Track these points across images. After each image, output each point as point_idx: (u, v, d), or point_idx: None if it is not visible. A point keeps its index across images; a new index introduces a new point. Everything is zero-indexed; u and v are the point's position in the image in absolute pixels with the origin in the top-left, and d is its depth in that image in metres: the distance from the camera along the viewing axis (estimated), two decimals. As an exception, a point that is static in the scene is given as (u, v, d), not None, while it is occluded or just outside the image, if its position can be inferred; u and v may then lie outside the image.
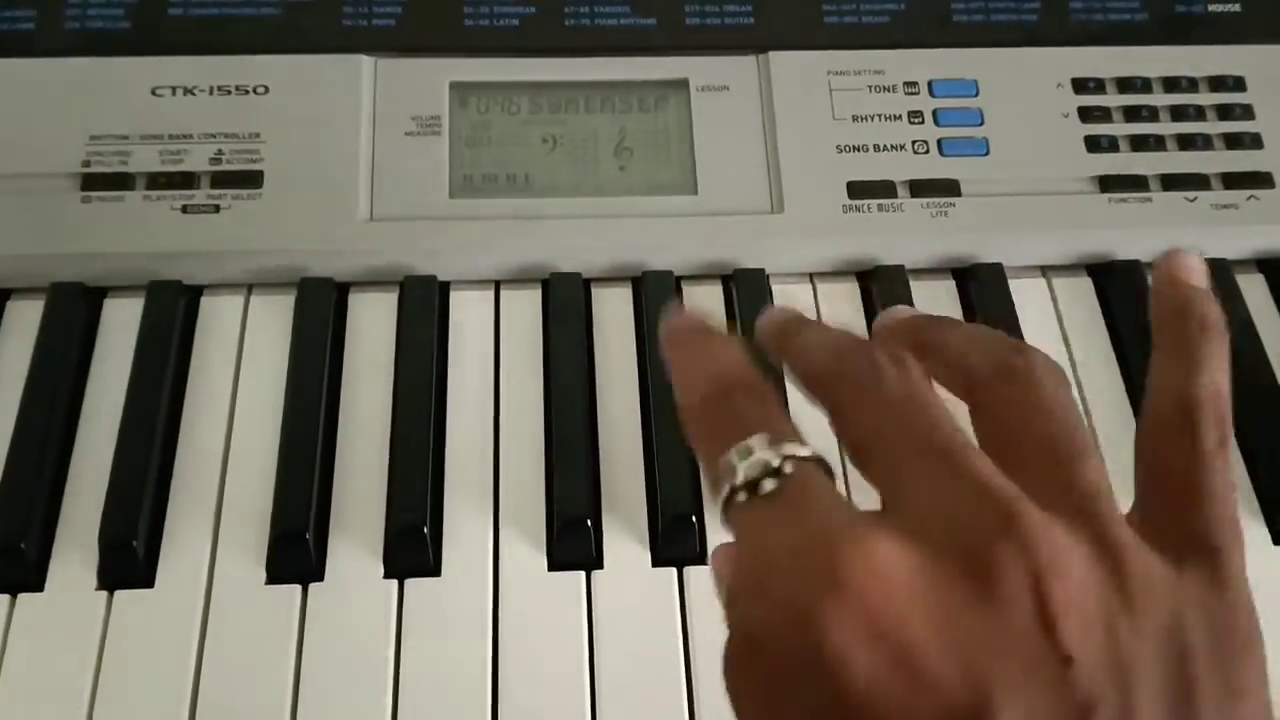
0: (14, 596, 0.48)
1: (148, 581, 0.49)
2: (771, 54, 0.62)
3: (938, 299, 0.59)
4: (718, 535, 0.51)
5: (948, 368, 0.33)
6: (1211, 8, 0.65)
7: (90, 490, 0.51)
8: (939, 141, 0.60)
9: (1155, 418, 0.32)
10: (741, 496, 0.30)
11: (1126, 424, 0.55)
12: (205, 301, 0.57)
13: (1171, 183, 0.60)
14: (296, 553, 0.49)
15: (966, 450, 0.29)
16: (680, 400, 0.33)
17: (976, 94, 0.61)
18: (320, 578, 0.49)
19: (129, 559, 0.49)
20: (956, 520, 0.27)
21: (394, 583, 0.49)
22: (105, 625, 0.48)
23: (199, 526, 0.50)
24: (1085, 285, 0.60)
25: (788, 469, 0.29)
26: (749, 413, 0.32)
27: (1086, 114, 0.61)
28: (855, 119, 0.60)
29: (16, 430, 0.52)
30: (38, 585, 0.49)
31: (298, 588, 0.49)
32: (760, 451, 0.30)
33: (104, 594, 0.49)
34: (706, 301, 0.58)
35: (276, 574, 0.49)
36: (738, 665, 0.28)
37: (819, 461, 0.30)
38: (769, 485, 0.29)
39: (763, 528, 0.29)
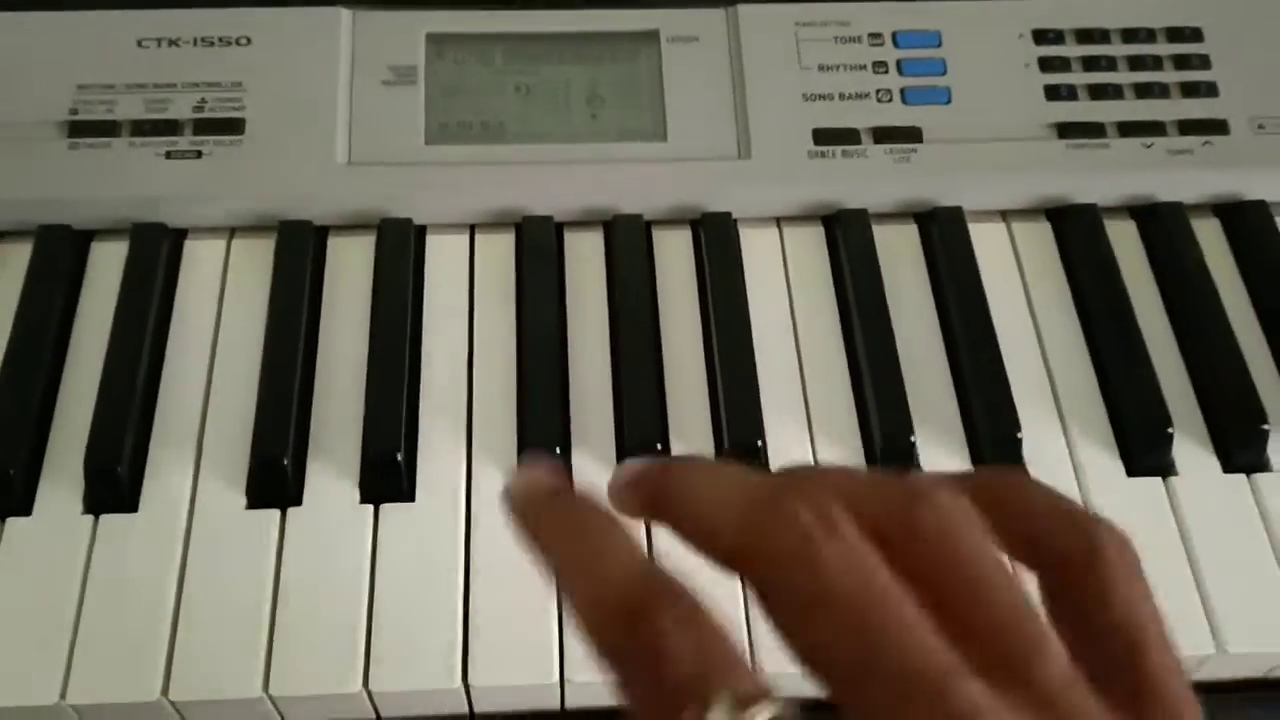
0: (2, 520, 0.50)
1: (131, 506, 0.51)
2: (740, 6, 0.63)
3: (899, 242, 0.60)
4: (682, 463, 0.53)
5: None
6: (1170, -39, 0.67)
7: (77, 422, 0.53)
8: (902, 90, 0.62)
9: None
10: None
11: (1082, 364, 0.57)
12: (188, 244, 0.59)
13: (1128, 129, 0.62)
14: (275, 478, 0.51)
15: (953, 680, 0.24)
16: (580, 618, 0.27)
17: (939, 45, 0.63)
18: (298, 503, 0.51)
19: (113, 484, 0.51)
20: None
21: (369, 507, 0.51)
22: (90, 548, 0.50)
23: (181, 455, 0.52)
24: (1043, 229, 0.62)
25: None
26: (688, 652, 0.25)
27: (1047, 64, 0.63)
28: (821, 68, 0.62)
29: (5, 364, 0.54)
30: (25, 510, 0.51)
31: (276, 512, 0.51)
32: None
33: (89, 518, 0.50)
34: (675, 244, 0.60)
35: (256, 499, 0.51)
36: None
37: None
38: None
39: None
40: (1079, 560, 0.27)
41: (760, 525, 0.26)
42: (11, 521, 0.50)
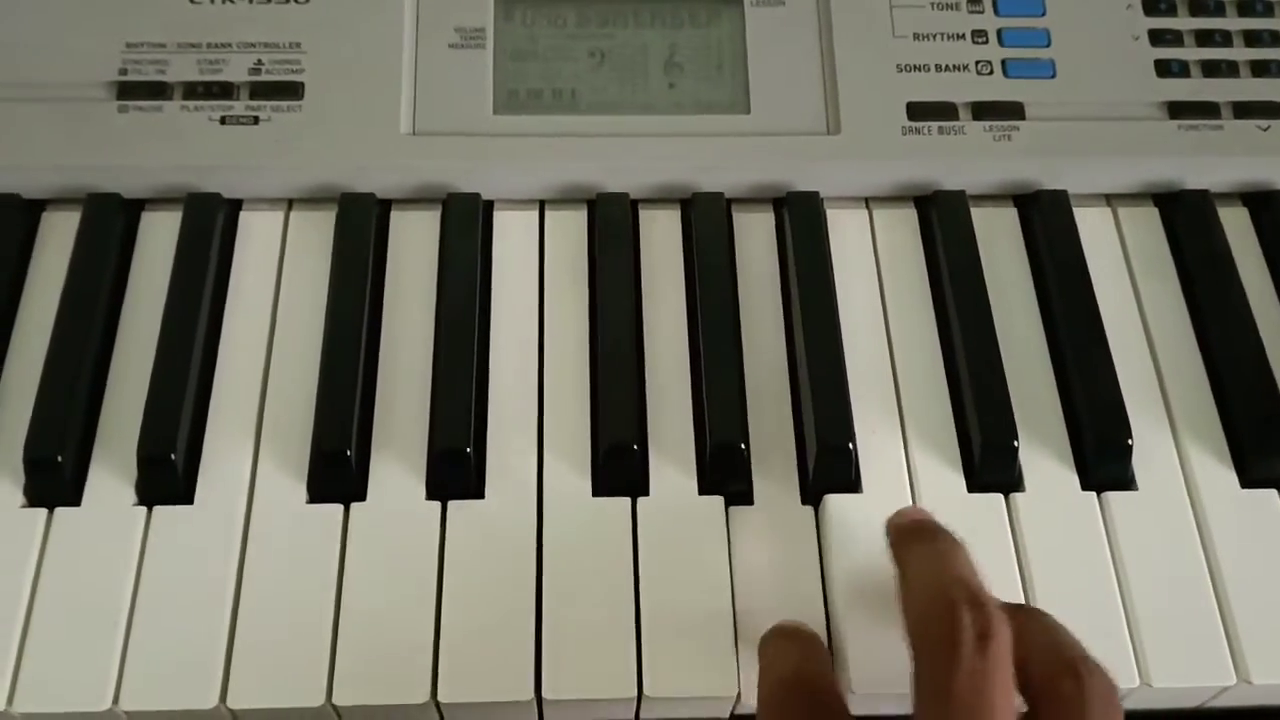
0: (51, 511, 0.48)
1: (187, 498, 0.48)
2: (829, -31, 0.59)
3: (998, 227, 0.57)
4: (763, 464, 0.50)
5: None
6: (1290, -73, 0.62)
7: (128, 405, 0.50)
8: (1003, 62, 0.58)
9: None
10: None
11: (1190, 355, 0.53)
12: (244, 216, 0.56)
13: (1244, 110, 0.57)
14: (338, 472, 0.48)
15: None
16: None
17: (1043, 13, 0.59)
18: (362, 498, 0.48)
19: (167, 474, 0.48)
20: None
21: (436, 504, 0.48)
22: (144, 541, 0.47)
23: (239, 444, 0.49)
24: (1151, 215, 0.58)
25: None
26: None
27: (1157, 37, 0.59)
28: (916, 37, 0.58)
29: (52, 343, 0.51)
30: (75, 500, 0.48)
31: (339, 507, 0.48)
32: None
33: (143, 510, 0.48)
34: (757, 225, 0.57)
35: (318, 493, 0.48)
36: None
37: None
38: None
39: None
40: None
41: (934, 616, 0.36)
42: (60, 512, 0.48)
